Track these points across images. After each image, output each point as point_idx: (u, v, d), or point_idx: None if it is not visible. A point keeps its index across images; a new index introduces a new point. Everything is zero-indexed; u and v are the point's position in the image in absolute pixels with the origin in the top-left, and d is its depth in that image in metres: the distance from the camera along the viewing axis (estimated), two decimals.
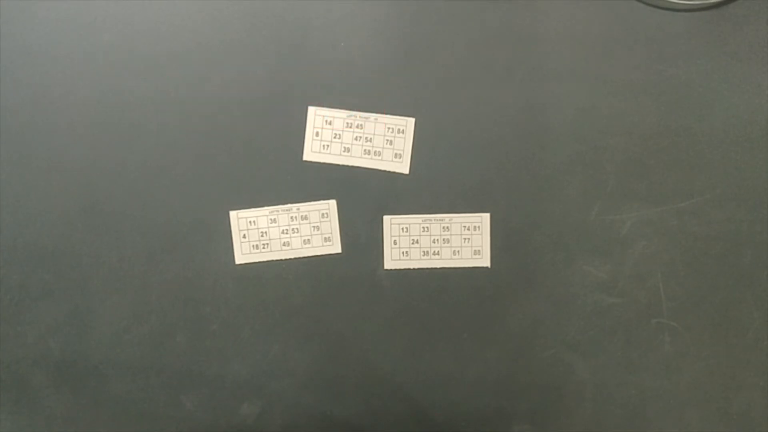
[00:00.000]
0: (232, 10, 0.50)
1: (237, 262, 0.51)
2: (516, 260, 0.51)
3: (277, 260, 0.52)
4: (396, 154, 0.51)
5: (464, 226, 0.51)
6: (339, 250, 0.52)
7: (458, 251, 0.51)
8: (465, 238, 0.51)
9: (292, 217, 0.51)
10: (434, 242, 0.52)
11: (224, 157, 0.51)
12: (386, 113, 0.51)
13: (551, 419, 0.53)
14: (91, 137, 0.50)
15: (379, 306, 0.52)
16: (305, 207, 0.51)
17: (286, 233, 0.51)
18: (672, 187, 0.51)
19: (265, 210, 0.51)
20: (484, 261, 0.52)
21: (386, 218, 0.51)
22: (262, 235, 0.51)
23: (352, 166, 0.51)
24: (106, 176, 0.51)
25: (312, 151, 0.51)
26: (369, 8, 0.50)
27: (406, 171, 0.51)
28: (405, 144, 0.51)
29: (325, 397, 0.53)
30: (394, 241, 0.51)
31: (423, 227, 0.51)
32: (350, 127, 0.51)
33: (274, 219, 0.51)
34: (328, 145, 0.51)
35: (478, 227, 0.51)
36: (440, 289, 0.52)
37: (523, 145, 0.51)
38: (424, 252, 0.52)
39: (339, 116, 0.51)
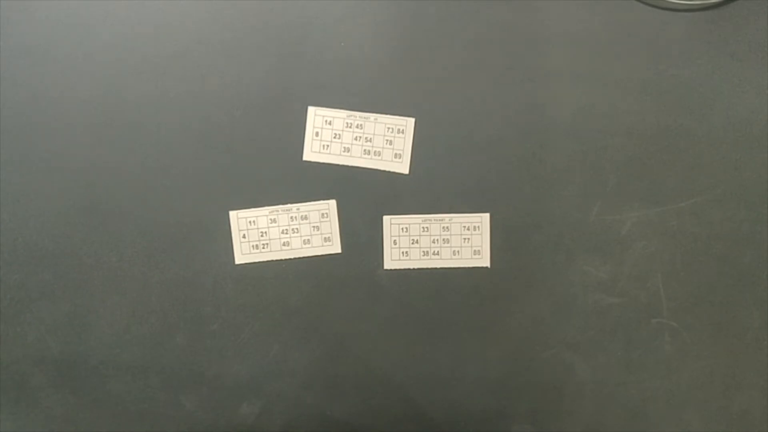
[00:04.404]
0: (232, 10, 0.50)
1: (237, 262, 0.51)
2: (516, 260, 0.51)
3: (277, 260, 0.52)
4: (396, 154, 0.51)
5: (464, 226, 0.51)
6: (339, 250, 0.51)
7: (458, 251, 0.51)
8: (465, 238, 0.51)
9: (292, 217, 0.51)
10: (434, 242, 0.52)
11: (224, 157, 0.51)
12: (386, 113, 0.51)
13: (551, 419, 0.53)
14: (91, 137, 0.50)
15: (379, 306, 0.52)
16: (305, 207, 0.51)
17: (286, 233, 0.51)
18: (672, 187, 0.51)
19: (265, 210, 0.51)
20: (484, 261, 0.51)
21: (386, 218, 0.51)
22: (261, 235, 0.51)
23: (352, 166, 0.51)
24: (106, 176, 0.51)
25: (312, 151, 0.51)
26: (369, 8, 0.50)
27: (406, 171, 0.51)
28: (405, 144, 0.51)
29: (324, 397, 0.53)
30: (394, 241, 0.51)
31: (423, 227, 0.51)
32: (350, 127, 0.51)
33: (274, 219, 0.51)
34: (328, 145, 0.51)
35: (478, 227, 0.51)
36: (440, 289, 0.52)
37: (523, 145, 0.51)
38: (423, 252, 0.52)
39: (339, 116, 0.51)
